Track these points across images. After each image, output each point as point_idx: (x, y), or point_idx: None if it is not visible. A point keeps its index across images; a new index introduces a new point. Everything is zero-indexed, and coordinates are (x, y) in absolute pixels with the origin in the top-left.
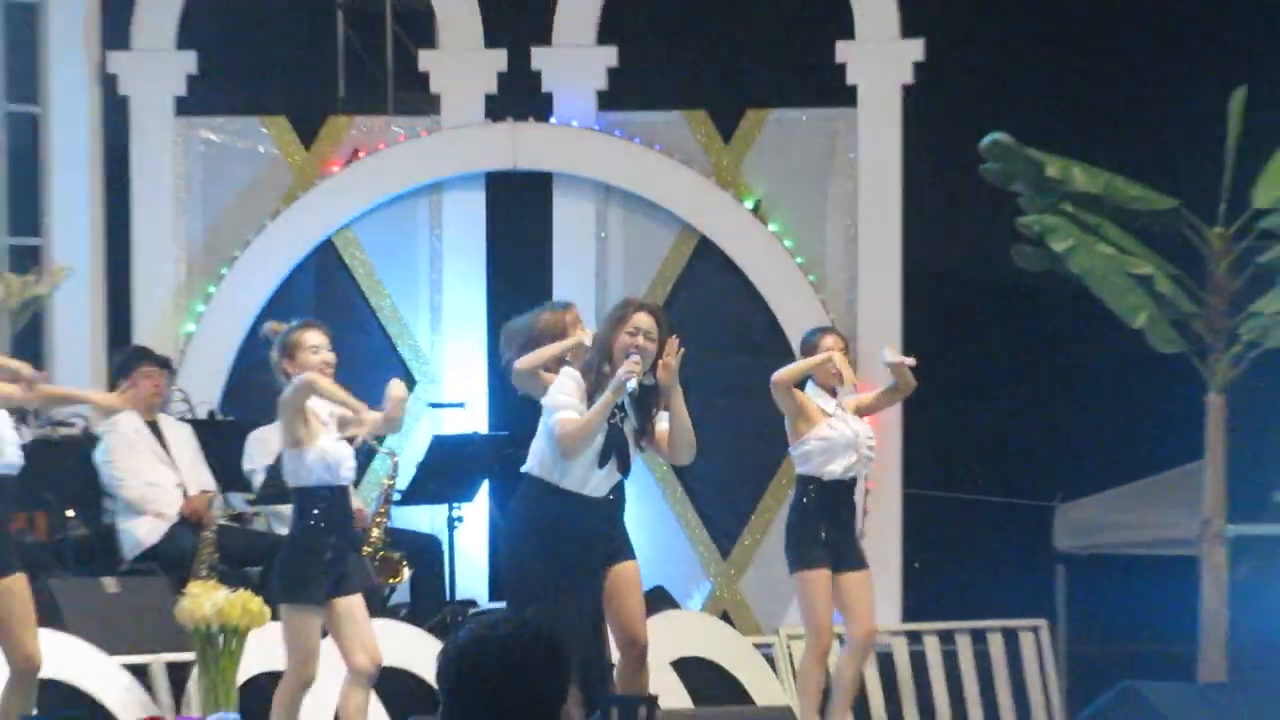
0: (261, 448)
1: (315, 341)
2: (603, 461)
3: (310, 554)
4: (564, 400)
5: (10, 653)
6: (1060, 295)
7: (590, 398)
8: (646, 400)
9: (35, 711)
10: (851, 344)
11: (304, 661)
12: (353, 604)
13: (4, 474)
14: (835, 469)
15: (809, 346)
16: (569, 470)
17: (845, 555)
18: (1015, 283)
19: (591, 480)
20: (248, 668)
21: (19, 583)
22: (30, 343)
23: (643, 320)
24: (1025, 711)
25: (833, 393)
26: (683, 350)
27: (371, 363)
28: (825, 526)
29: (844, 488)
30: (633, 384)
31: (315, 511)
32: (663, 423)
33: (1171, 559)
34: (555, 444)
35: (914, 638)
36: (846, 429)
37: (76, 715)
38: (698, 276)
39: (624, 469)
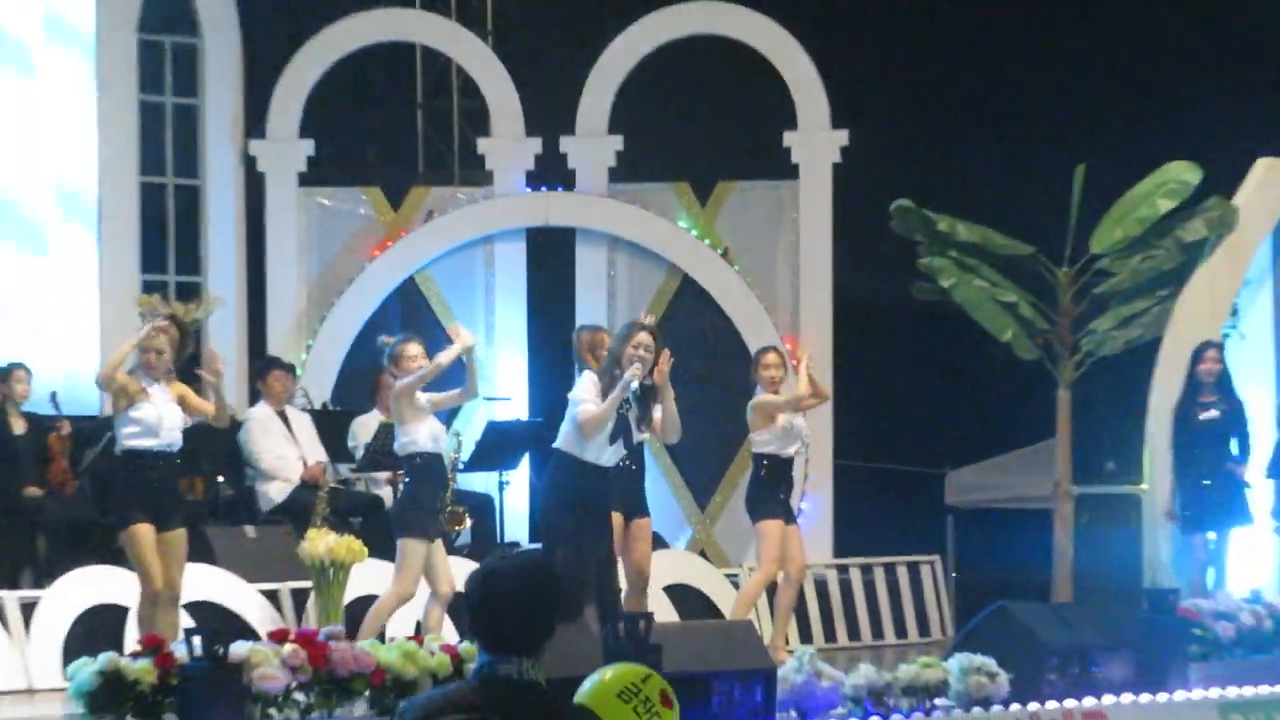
0: (361, 430)
1: (414, 352)
2: (613, 441)
3: (422, 501)
4: (585, 396)
5: (164, 585)
6: (949, 317)
7: (604, 394)
8: (645, 396)
9: (185, 625)
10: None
11: (410, 582)
12: (440, 545)
13: (170, 450)
14: (788, 451)
15: (756, 359)
16: (588, 447)
17: (790, 513)
18: (916, 308)
19: (605, 455)
20: (350, 593)
21: (180, 535)
22: (193, 355)
23: (643, 338)
24: (925, 625)
25: (776, 393)
26: (672, 360)
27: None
28: (781, 490)
29: (789, 464)
30: (635, 384)
31: (426, 471)
32: (658, 413)
33: (1032, 511)
34: (578, 428)
35: (842, 570)
36: (795, 424)
37: (224, 629)
38: (682, 304)
39: (628, 446)
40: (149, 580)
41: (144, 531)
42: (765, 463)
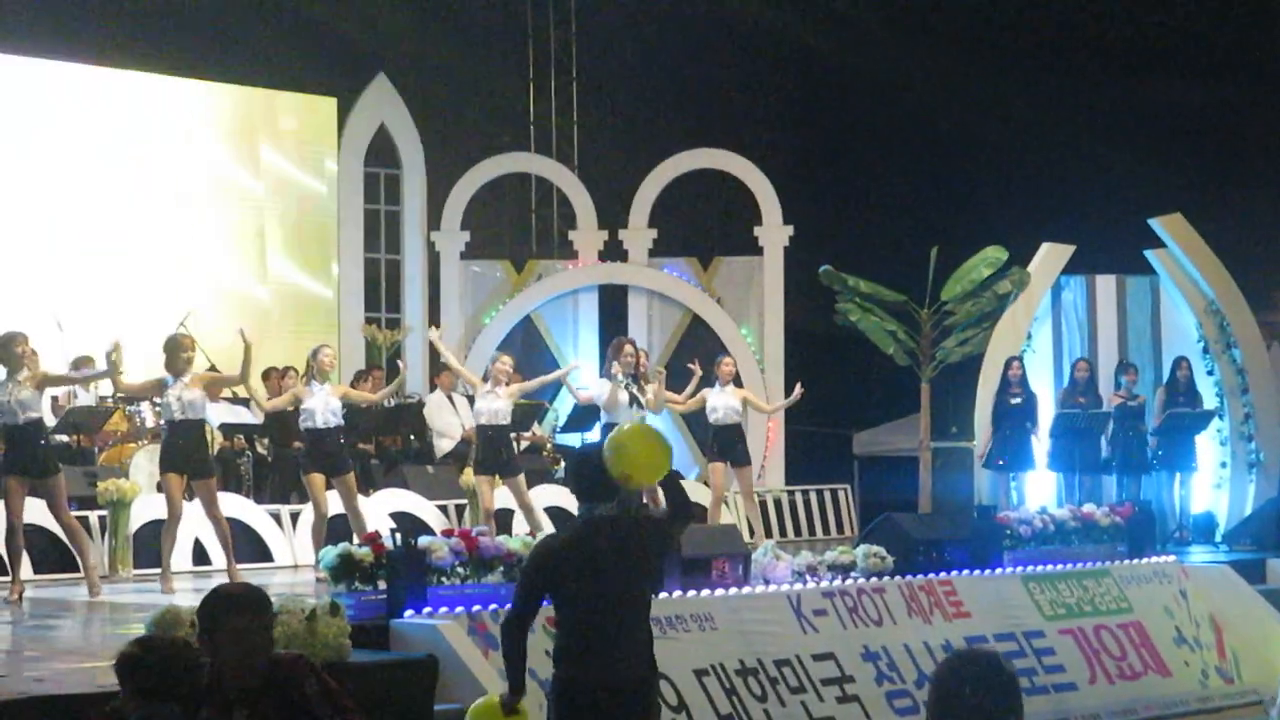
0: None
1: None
2: (630, 406)
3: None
4: (603, 393)
5: (325, 507)
6: (856, 338)
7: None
8: (636, 382)
9: (390, 526)
10: (762, 367)
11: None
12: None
13: (327, 426)
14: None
15: (718, 363)
16: (616, 416)
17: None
18: (836, 332)
19: (627, 417)
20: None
21: (351, 478)
22: (395, 360)
23: (628, 349)
24: (841, 527)
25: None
26: (662, 371)
27: (545, 372)
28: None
29: (731, 427)
30: (621, 376)
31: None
32: (649, 393)
33: (906, 458)
34: (603, 405)
35: (790, 492)
36: (728, 400)
37: (413, 528)
38: (693, 332)
39: (640, 407)
40: (319, 507)
41: (318, 479)
42: (713, 425)
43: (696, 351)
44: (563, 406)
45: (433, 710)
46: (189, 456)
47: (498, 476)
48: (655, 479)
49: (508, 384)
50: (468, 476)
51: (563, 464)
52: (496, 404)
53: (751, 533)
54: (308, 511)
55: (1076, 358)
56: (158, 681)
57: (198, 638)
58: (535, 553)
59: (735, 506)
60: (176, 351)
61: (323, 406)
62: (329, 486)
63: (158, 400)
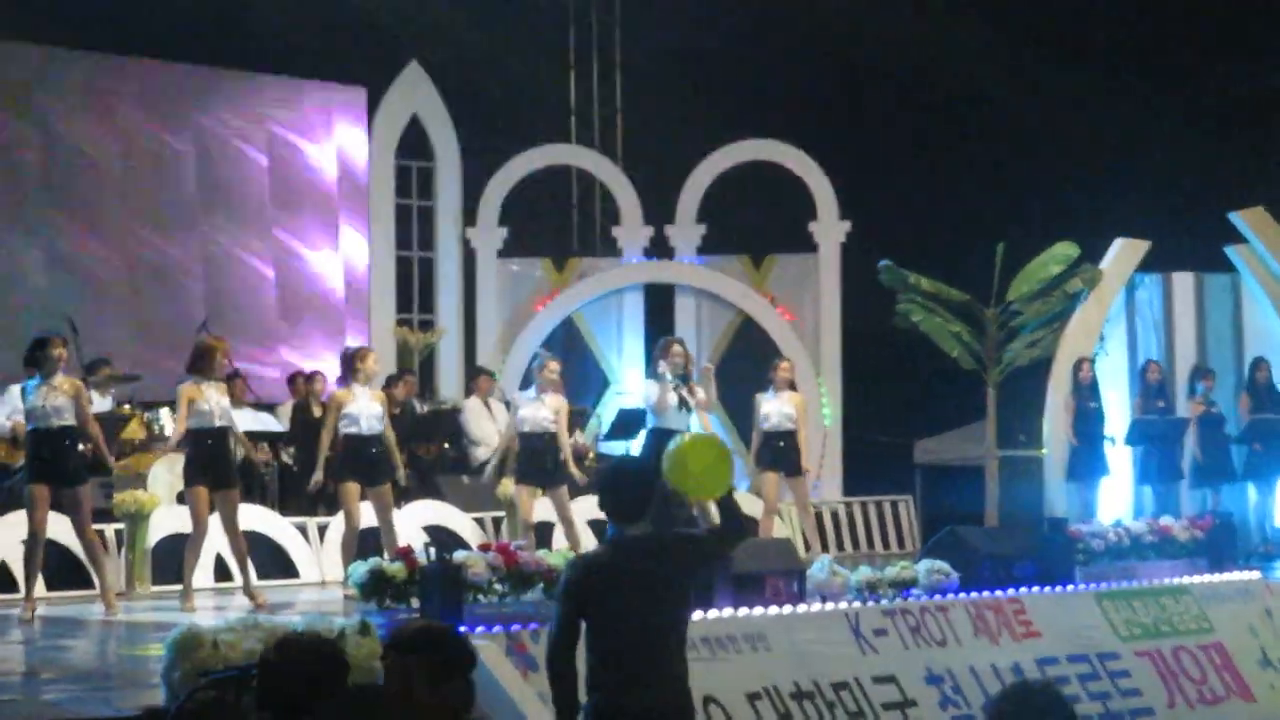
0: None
1: (554, 368)
2: (679, 408)
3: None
4: (650, 394)
5: (357, 519)
6: (917, 340)
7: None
8: (686, 383)
9: (424, 540)
10: (816, 368)
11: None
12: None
13: (372, 433)
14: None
15: (774, 366)
16: (665, 419)
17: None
18: (896, 335)
19: (676, 421)
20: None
21: (388, 489)
22: (428, 364)
23: (677, 349)
24: (901, 541)
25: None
26: (710, 367)
27: (588, 376)
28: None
29: (785, 434)
30: (669, 376)
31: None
32: (700, 394)
33: (971, 467)
34: (652, 409)
35: (848, 505)
36: (782, 406)
37: (449, 542)
38: (745, 334)
39: (688, 410)
40: (352, 519)
41: (353, 489)
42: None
43: (748, 356)
44: (606, 412)
45: None
46: (213, 466)
47: (540, 488)
48: (717, 494)
49: (554, 391)
50: (506, 487)
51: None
52: (541, 411)
53: (807, 547)
54: (336, 524)
55: (1150, 360)
56: (299, 691)
57: (411, 671)
58: (565, 576)
59: (790, 519)
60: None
61: (367, 411)
62: (362, 497)
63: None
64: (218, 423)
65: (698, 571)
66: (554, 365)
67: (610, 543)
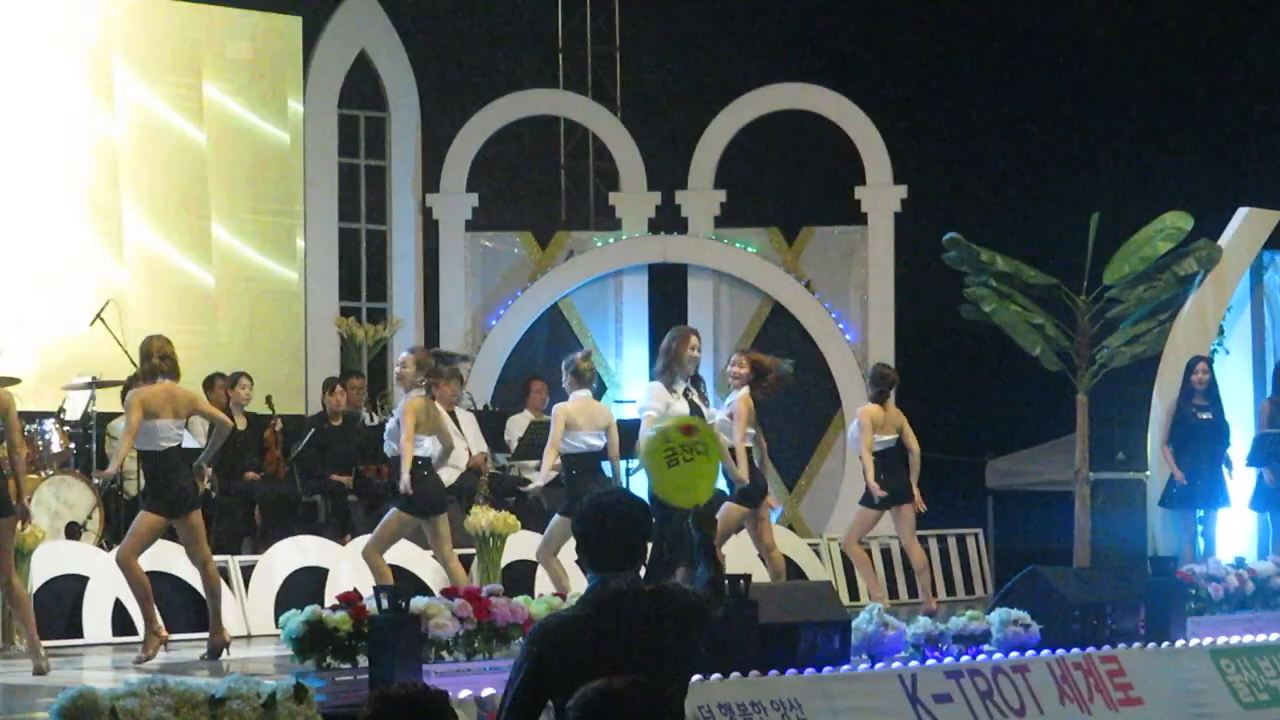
0: (514, 427)
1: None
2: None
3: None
4: (653, 404)
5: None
6: (989, 336)
7: (668, 389)
8: (696, 384)
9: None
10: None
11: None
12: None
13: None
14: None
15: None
16: None
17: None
18: (962, 328)
19: None
20: (506, 558)
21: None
22: (379, 363)
23: (695, 340)
24: (970, 585)
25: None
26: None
27: None
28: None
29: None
30: (678, 381)
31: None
32: (716, 416)
33: (1056, 493)
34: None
35: None
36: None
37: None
38: (774, 325)
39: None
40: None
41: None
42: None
43: (777, 353)
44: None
45: None
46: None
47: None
48: (688, 499)
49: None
50: (478, 518)
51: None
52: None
53: (853, 593)
54: (264, 564)
55: None
56: None
57: None
58: (531, 641)
59: (829, 555)
60: None
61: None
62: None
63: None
64: (162, 445)
65: (699, 643)
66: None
67: (589, 600)
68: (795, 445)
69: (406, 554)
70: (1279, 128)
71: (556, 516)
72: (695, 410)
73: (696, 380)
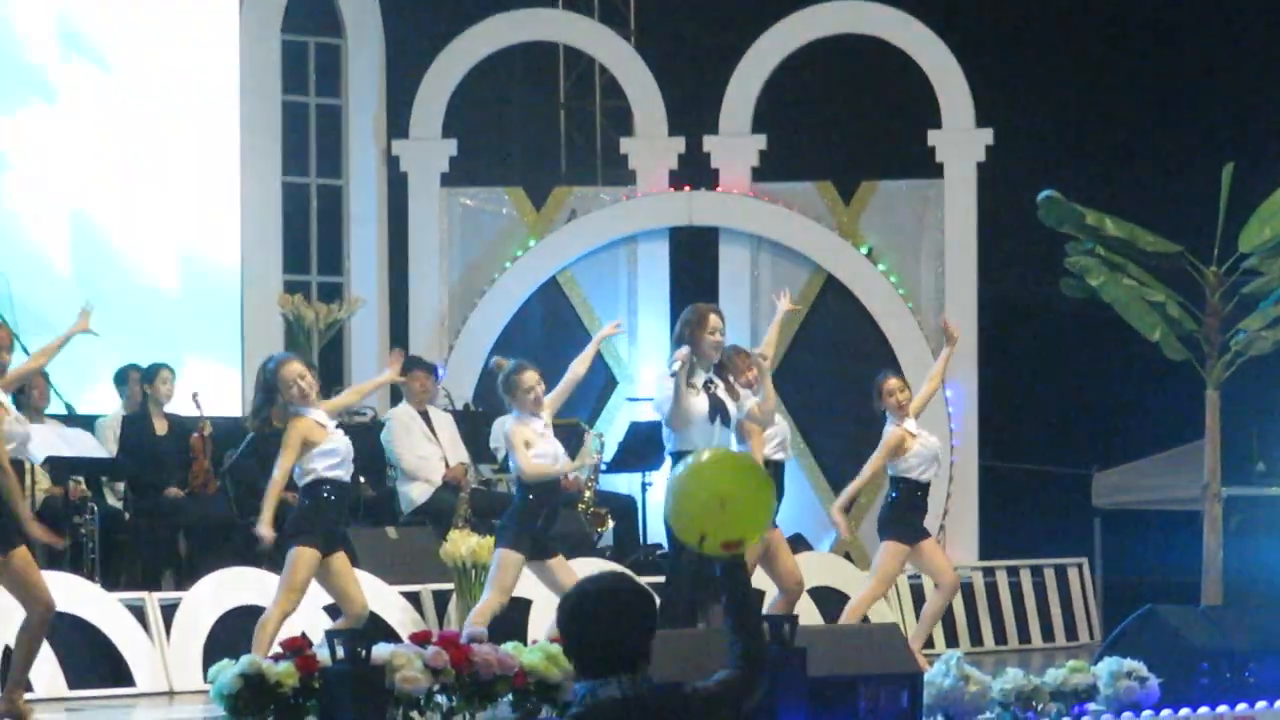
0: (502, 431)
1: (530, 384)
2: (711, 419)
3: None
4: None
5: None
6: (1096, 317)
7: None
8: (723, 383)
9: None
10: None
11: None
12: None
13: None
14: (926, 476)
15: (878, 387)
16: (689, 436)
17: (920, 533)
18: (1062, 307)
19: (713, 439)
20: None
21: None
22: (334, 353)
23: (715, 321)
24: (1072, 629)
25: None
26: (766, 359)
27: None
28: (914, 514)
29: (926, 488)
30: (698, 371)
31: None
32: (748, 400)
33: (1180, 513)
34: (667, 425)
35: (988, 572)
36: (929, 447)
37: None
38: (826, 305)
39: (727, 424)
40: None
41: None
42: (902, 485)
43: (828, 336)
44: (611, 430)
45: None
46: None
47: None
48: (752, 533)
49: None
50: (455, 545)
51: (610, 525)
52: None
53: (927, 640)
54: (190, 603)
55: None
56: None
57: None
58: None
59: (896, 593)
60: None
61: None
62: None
63: None
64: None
65: None
66: (528, 379)
67: (578, 713)
68: (852, 456)
69: (366, 588)
70: None
71: (499, 552)
72: (719, 409)
73: (722, 368)
